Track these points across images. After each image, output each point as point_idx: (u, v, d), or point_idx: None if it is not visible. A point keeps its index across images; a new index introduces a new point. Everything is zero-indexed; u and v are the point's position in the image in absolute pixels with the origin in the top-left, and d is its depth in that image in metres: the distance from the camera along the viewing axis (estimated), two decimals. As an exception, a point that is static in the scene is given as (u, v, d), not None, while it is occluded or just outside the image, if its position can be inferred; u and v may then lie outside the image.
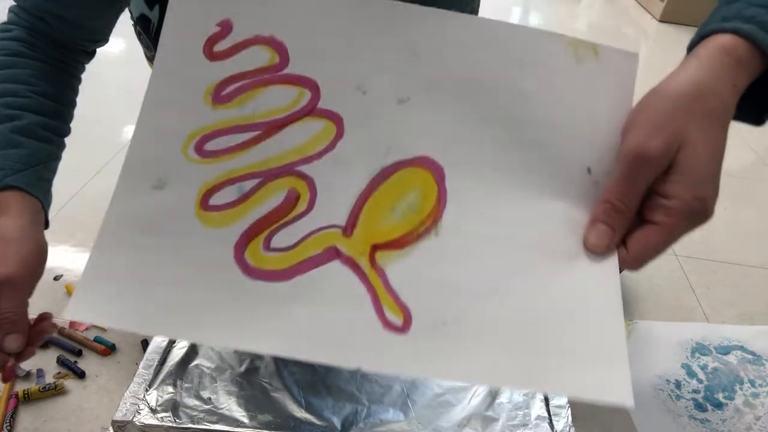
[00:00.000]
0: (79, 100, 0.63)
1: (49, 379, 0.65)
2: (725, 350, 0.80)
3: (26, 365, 0.66)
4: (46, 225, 0.54)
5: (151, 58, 0.67)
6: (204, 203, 0.35)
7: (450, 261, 0.35)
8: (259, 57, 0.37)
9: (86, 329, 0.71)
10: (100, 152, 1.06)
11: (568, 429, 0.59)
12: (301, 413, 0.58)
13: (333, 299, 0.34)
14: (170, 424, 0.55)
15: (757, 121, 0.41)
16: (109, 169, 1.03)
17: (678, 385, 0.74)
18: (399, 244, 0.35)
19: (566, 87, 0.38)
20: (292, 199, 0.36)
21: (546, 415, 0.60)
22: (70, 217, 0.89)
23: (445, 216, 0.36)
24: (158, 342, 0.62)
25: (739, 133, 1.55)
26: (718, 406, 0.72)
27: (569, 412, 0.60)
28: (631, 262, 0.36)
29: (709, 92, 0.35)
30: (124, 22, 0.64)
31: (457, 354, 0.33)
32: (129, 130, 1.15)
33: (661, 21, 2.31)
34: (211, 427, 0.55)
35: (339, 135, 0.37)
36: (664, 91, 0.36)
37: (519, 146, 0.38)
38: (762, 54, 0.36)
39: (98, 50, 0.65)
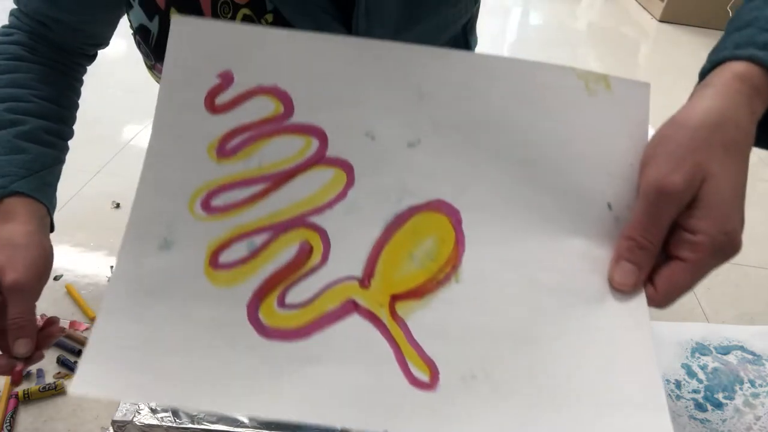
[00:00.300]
0: (80, 100, 0.63)
1: (49, 379, 0.65)
2: (725, 350, 0.80)
3: (26, 365, 0.66)
4: (51, 228, 0.54)
5: (151, 67, 0.67)
6: (213, 262, 0.34)
7: (473, 308, 0.34)
8: (262, 107, 0.36)
9: (86, 329, 0.71)
10: (100, 152, 1.06)
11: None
12: (301, 413, 0.58)
13: (355, 356, 0.32)
14: (170, 424, 0.55)
15: None
16: (109, 169, 1.03)
17: (678, 385, 0.74)
18: (419, 293, 0.34)
19: (580, 122, 0.37)
20: (305, 252, 0.34)
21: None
22: (70, 217, 0.89)
23: (465, 261, 0.35)
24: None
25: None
26: (718, 406, 0.72)
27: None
28: (659, 301, 0.35)
29: (729, 122, 0.34)
30: (125, 22, 0.65)
31: (490, 409, 0.31)
32: (129, 130, 1.15)
33: (661, 21, 2.31)
34: (211, 427, 0.55)
35: (350, 183, 0.36)
36: (683, 123, 0.35)
37: (536, 185, 0.37)
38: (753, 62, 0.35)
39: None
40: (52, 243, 0.52)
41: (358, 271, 0.34)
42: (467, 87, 0.37)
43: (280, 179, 0.35)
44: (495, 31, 2.02)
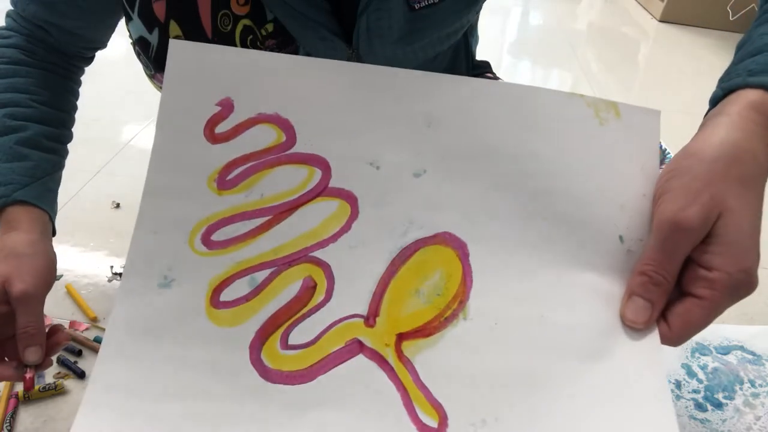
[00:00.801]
0: (79, 100, 0.63)
1: (49, 379, 0.65)
2: (725, 350, 0.80)
3: (26, 365, 0.66)
4: (53, 233, 0.54)
5: (151, 77, 0.67)
6: (214, 300, 0.33)
7: (482, 348, 0.33)
8: (264, 136, 0.35)
9: (86, 329, 0.71)
10: (100, 152, 1.06)
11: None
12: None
13: (360, 401, 0.31)
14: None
15: None
16: (109, 169, 1.03)
17: (678, 385, 0.74)
18: (426, 332, 0.33)
19: (590, 151, 0.36)
20: (309, 289, 0.33)
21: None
22: (70, 217, 0.89)
23: (473, 296, 0.34)
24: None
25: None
26: (718, 406, 0.72)
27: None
28: (673, 339, 0.34)
29: (745, 155, 0.33)
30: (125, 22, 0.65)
31: None
32: (129, 130, 1.15)
33: (661, 21, 2.31)
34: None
35: (354, 215, 0.35)
36: (699, 154, 0.34)
37: (545, 216, 0.35)
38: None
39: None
40: (53, 243, 0.52)
41: (363, 309, 0.33)
42: (475, 115, 0.36)
43: (282, 212, 0.34)
44: (495, 31, 2.02)
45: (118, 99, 1.25)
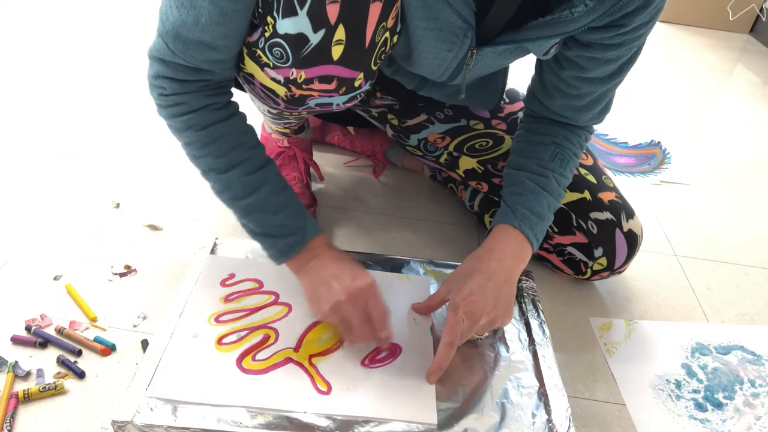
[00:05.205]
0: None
1: (49, 379, 0.65)
2: (725, 350, 0.81)
3: (26, 365, 0.66)
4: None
5: (261, 67, 0.65)
6: (219, 342, 0.66)
7: (350, 357, 0.66)
8: (248, 285, 0.74)
9: (86, 329, 0.71)
10: (100, 152, 1.06)
11: (567, 429, 0.59)
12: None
13: (288, 381, 0.62)
14: (170, 424, 0.55)
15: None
16: (109, 169, 1.03)
17: (678, 385, 0.74)
18: (324, 353, 0.66)
19: (404, 294, 0.76)
20: (266, 338, 0.67)
21: (546, 415, 0.60)
22: (70, 216, 0.89)
23: (345, 343, 0.67)
24: (158, 342, 0.63)
25: (739, 132, 1.54)
26: (718, 406, 0.72)
27: (569, 412, 0.60)
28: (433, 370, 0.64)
29: (493, 257, 0.69)
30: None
31: (353, 403, 0.60)
32: (129, 130, 1.16)
33: (661, 21, 2.31)
34: (211, 427, 0.55)
35: (289, 311, 0.71)
36: (466, 261, 0.70)
37: (395, 317, 0.70)
38: (527, 239, 0.71)
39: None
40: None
41: (293, 344, 0.67)
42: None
43: (254, 311, 0.71)
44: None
45: (118, 98, 1.25)
